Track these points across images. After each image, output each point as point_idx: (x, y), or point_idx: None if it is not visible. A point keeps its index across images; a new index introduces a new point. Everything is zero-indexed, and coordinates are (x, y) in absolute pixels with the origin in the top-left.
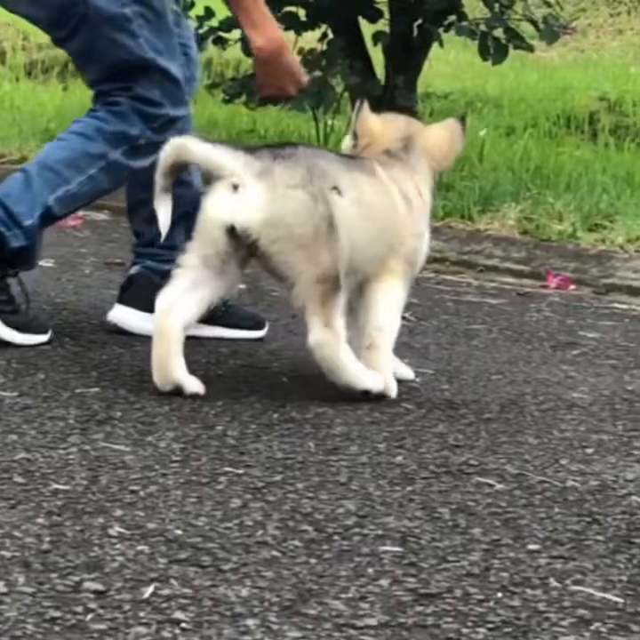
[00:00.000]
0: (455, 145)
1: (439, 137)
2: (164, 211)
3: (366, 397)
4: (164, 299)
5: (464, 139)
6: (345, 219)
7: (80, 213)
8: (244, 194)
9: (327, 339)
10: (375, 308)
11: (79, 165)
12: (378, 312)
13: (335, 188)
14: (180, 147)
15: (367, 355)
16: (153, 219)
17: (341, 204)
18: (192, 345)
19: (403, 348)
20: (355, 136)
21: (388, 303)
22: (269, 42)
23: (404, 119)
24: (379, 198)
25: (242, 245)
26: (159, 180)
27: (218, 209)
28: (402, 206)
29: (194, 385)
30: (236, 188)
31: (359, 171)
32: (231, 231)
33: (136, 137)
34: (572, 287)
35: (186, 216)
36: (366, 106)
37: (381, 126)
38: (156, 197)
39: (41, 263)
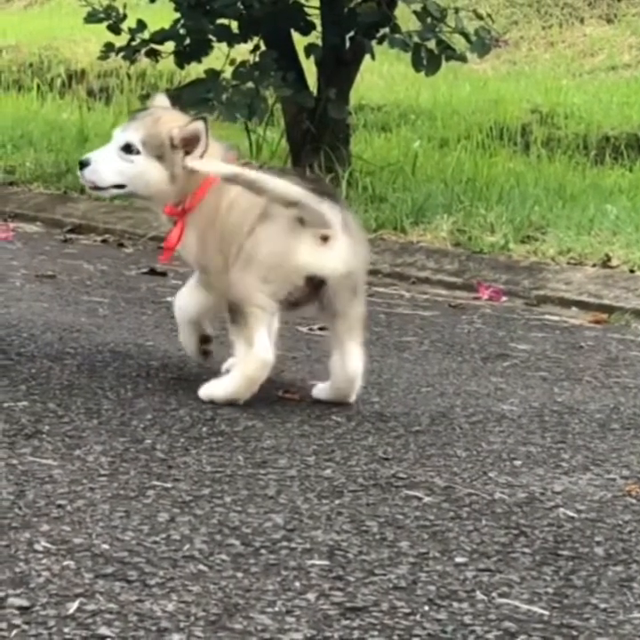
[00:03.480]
0: None
1: None
2: None
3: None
4: (268, 350)
5: None
6: None
7: (11, 225)
8: (332, 247)
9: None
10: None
11: None
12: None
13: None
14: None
15: None
16: None
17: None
18: (121, 358)
19: None
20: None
21: None
22: None
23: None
24: None
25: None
26: None
27: (308, 259)
28: None
29: None
30: (325, 239)
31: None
32: (311, 278)
33: None
34: (504, 299)
35: None
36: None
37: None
38: None
39: None
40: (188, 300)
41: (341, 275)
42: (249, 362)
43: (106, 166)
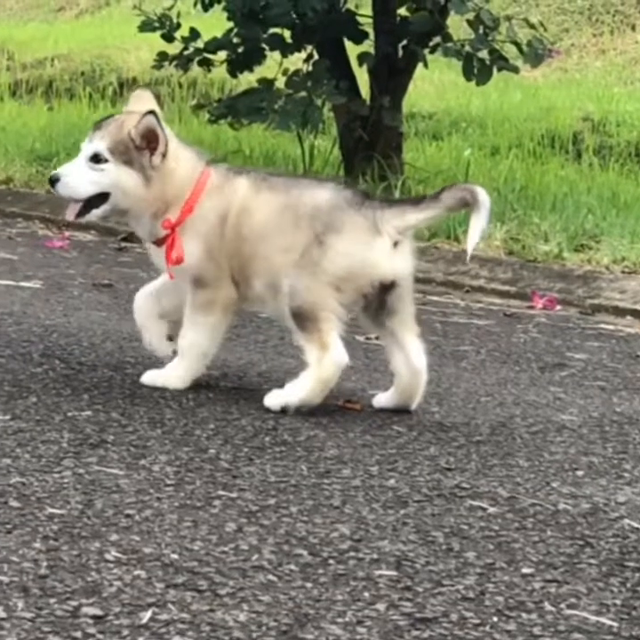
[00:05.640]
0: None
1: None
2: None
3: None
4: (344, 353)
5: None
6: None
7: (66, 234)
8: (403, 252)
9: None
10: None
11: None
12: None
13: None
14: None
15: None
16: None
17: None
18: None
19: None
20: (166, 151)
21: None
22: None
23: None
24: None
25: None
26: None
27: (385, 267)
28: None
29: None
30: (396, 244)
31: None
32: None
33: None
34: (559, 308)
35: None
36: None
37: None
38: None
39: (29, 284)
40: (149, 302)
41: (409, 275)
42: (325, 365)
43: (77, 179)
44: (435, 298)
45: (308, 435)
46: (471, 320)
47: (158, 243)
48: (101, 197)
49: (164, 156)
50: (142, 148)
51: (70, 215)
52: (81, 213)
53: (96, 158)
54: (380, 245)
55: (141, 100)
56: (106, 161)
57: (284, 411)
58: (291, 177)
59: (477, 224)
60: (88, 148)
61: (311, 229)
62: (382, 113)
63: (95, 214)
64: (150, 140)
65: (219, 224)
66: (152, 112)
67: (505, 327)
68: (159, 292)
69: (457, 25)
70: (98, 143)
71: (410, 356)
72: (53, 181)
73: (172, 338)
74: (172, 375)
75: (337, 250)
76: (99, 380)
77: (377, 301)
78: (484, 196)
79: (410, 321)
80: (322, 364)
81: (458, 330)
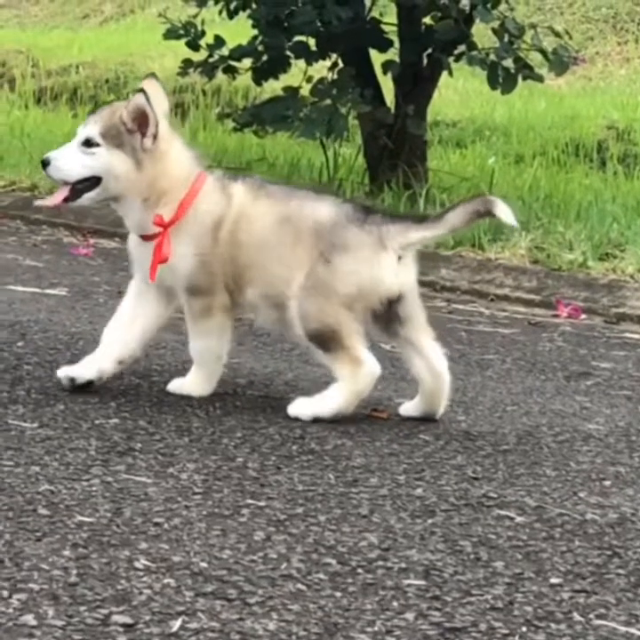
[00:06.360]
0: None
1: None
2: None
3: None
4: (376, 363)
5: None
6: None
7: (91, 241)
8: (406, 264)
9: None
10: None
11: None
12: None
13: None
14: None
15: None
16: None
17: None
18: None
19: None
20: (156, 132)
21: None
22: None
23: None
24: None
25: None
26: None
27: (393, 282)
28: None
29: None
30: (400, 258)
31: None
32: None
33: None
34: (583, 316)
35: None
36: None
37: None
38: None
39: (55, 292)
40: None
41: (414, 283)
42: (360, 378)
43: (69, 162)
44: (459, 306)
45: (336, 443)
46: (496, 329)
47: (146, 238)
48: (94, 182)
49: (155, 137)
50: (133, 131)
51: (56, 199)
52: (71, 198)
53: (88, 143)
54: (386, 261)
55: (149, 89)
56: (97, 145)
57: (315, 420)
58: (287, 186)
59: (503, 208)
60: (81, 132)
61: (315, 247)
62: (407, 121)
63: (88, 198)
64: (141, 123)
65: (213, 228)
66: (142, 90)
67: (530, 336)
68: (126, 328)
69: (482, 33)
70: (91, 128)
71: (430, 361)
72: (45, 164)
73: (92, 384)
74: (195, 384)
75: (346, 270)
76: (126, 387)
77: (387, 313)
78: (495, 198)
79: (423, 326)
80: (357, 378)
81: (483, 338)
